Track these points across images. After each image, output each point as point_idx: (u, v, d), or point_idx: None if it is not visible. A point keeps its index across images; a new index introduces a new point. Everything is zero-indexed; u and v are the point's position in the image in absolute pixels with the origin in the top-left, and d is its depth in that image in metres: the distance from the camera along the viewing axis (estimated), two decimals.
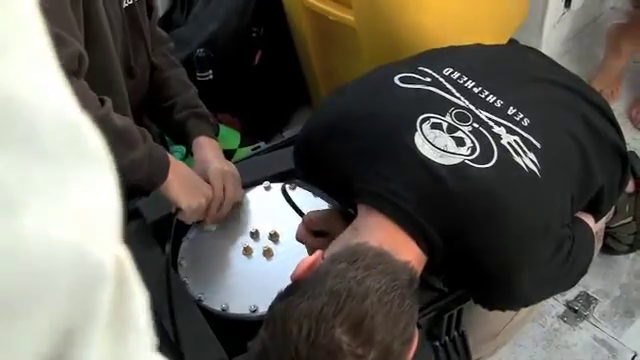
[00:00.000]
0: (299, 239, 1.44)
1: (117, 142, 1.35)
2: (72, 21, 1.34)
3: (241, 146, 2.41)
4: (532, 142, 1.33)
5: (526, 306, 1.47)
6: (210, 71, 2.47)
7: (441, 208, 1.25)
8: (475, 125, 1.33)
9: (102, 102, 1.35)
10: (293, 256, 1.46)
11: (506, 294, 1.33)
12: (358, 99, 1.44)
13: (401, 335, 1.07)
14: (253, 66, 2.61)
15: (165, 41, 1.82)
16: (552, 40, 2.67)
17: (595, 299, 2.18)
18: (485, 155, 1.28)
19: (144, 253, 1.52)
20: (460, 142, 1.29)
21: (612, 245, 2.23)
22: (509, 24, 2.35)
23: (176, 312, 1.40)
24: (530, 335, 2.11)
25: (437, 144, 1.27)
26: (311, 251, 1.43)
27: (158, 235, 1.56)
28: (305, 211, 1.50)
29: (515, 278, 1.28)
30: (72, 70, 1.30)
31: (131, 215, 1.62)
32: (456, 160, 1.26)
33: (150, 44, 1.69)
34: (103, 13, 1.46)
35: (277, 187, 1.65)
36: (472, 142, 1.29)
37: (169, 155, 1.49)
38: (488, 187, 1.25)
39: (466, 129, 1.31)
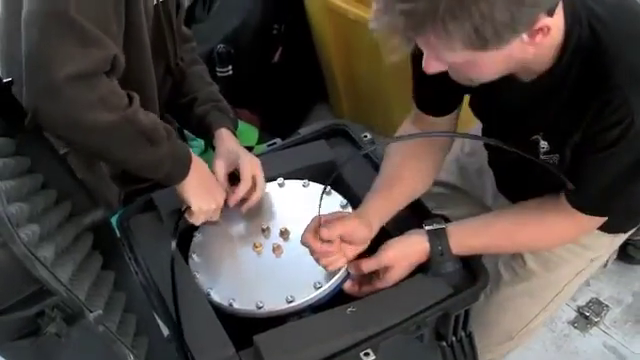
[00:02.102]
0: (304, 242, 1.44)
1: (142, 139, 1.38)
2: (112, 20, 1.36)
3: (259, 143, 2.42)
4: None
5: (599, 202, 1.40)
6: (230, 67, 2.49)
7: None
8: None
9: (130, 99, 1.37)
10: (302, 254, 1.47)
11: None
12: None
13: None
14: (273, 63, 2.62)
15: (189, 39, 1.83)
16: None
17: (607, 306, 2.18)
18: None
19: (156, 244, 1.54)
20: None
21: (632, 253, 2.22)
22: None
23: (186, 305, 1.42)
24: (540, 339, 2.11)
25: None
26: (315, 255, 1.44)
27: (171, 227, 1.58)
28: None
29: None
30: (103, 71, 1.32)
31: (145, 206, 1.64)
32: None
33: (178, 42, 1.71)
34: (143, 11, 1.48)
35: (290, 184, 1.66)
36: None
37: (192, 154, 1.51)
38: None
39: None
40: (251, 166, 1.59)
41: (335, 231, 1.41)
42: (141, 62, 1.55)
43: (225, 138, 1.66)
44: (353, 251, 1.45)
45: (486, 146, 1.66)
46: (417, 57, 1.35)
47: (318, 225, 1.41)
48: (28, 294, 0.86)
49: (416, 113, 1.59)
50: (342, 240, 1.43)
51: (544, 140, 1.36)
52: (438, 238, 1.44)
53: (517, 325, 1.70)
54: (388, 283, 1.44)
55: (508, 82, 1.28)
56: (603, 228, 1.53)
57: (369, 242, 1.47)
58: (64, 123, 1.27)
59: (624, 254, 2.23)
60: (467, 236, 1.46)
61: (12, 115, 1.33)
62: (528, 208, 1.49)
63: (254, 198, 1.60)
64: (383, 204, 1.50)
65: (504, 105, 1.41)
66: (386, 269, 1.44)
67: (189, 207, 1.52)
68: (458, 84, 1.30)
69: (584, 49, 1.21)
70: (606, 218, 1.43)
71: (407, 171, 1.55)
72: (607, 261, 1.95)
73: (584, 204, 1.38)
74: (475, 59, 1.13)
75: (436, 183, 1.84)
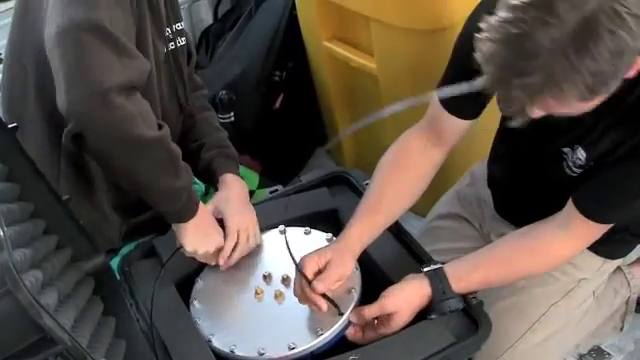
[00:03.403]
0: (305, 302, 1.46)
1: (169, 166, 1.41)
2: (134, 42, 1.39)
3: (259, 187, 2.42)
4: None
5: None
6: (232, 113, 2.50)
7: None
8: None
9: (160, 126, 1.40)
10: None
11: None
12: None
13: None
14: (274, 109, 2.64)
15: (199, 87, 1.86)
16: None
17: (609, 354, 2.16)
18: None
19: (158, 291, 1.53)
20: None
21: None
22: None
23: (187, 352, 1.42)
24: None
25: None
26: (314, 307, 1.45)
27: (172, 273, 1.58)
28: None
29: None
30: (140, 84, 1.35)
31: (147, 252, 1.64)
32: None
33: (187, 87, 1.73)
34: (151, 50, 1.51)
35: (292, 231, 1.66)
36: None
37: (199, 198, 1.53)
38: None
39: None
40: (238, 220, 1.60)
41: (333, 279, 1.44)
42: (150, 98, 1.56)
43: (228, 185, 1.67)
44: (369, 314, 1.46)
45: (504, 160, 1.69)
46: (457, 50, 1.47)
47: (307, 280, 1.43)
48: (31, 342, 0.86)
49: (431, 115, 1.61)
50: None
51: (584, 150, 1.40)
52: (438, 277, 1.46)
53: (502, 344, 1.67)
54: (393, 329, 1.44)
55: None
56: (593, 250, 1.59)
57: None
58: (113, 130, 1.29)
59: None
60: (466, 271, 1.48)
61: (16, 160, 1.34)
62: (520, 232, 1.53)
63: (234, 256, 1.60)
64: (364, 230, 1.53)
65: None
66: (389, 316, 1.44)
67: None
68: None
69: None
70: (600, 233, 1.46)
71: (388, 195, 1.57)
72: (623, 323, 1.95)
73: (591, 206, 1.40)
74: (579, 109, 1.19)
75: (437, 217, 1.86)
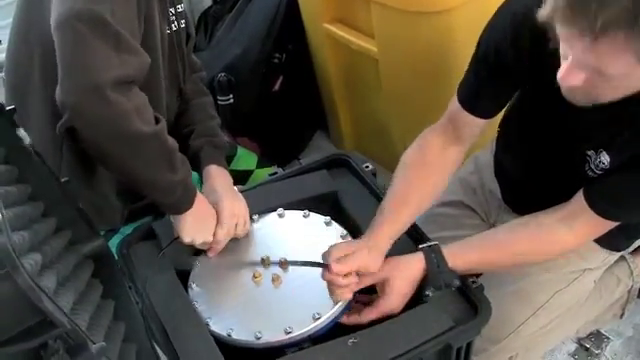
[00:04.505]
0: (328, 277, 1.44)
1: (164, 160, 1.39)
2: (137, 36, 1.38)
3: (258, 167, 2.42)
4: None
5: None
6: (231, 95, 2.50)
7: None
8: None
9: (157, 120, 1.39)
10: (300, 284, 1.49)
11: None
12: None
13: None
14: (273, 92, 2.63)
15: (197, 69, 1.84)
16: None
17: (607, 338, 2.16)
18: None
19: (156, 274, 1.54)
20: None
21: None
22: None
23: (186, 334, 1.42)
24: None
25: None
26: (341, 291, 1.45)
27: (171, 257, 1.58)
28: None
29: None
30: (137, 80, 1.34)
31: (146, 235, 1.64)
32: None
33: (187, 69, 1.72)
34: (158, 34, 1.50)
35: (290, 215, 1.66)
36: None
37: (196, 188, 1.52)
38: None
39: None
40: (231, 210, 1.59)
41: (354, 265, 1.43)
42: (155, 86, 1.56)
43: (213, 175, 1.66)
44: (363, 282, 1.47)
45: (519, 155, 1.68)
46: (480, 44, 1.48)
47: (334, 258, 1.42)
48: (31, 325, 0.86)
49: (450, 113, 1.61)
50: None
51: (609, 155, 1.39)
52: (433, 252, 1.47)
53: (505, 328, 1.68)
54: (391, 301, 1.45)
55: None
56: (600, 243, 1.60)
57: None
58: (106, 126, 1.28)
59: None
60: (461, 249, 1.49)
61: (15, 143, 1.33)
62: (525, 219, 1.53)
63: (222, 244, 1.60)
64: (393, 228, 1.52)
65: (571, 117, 1.42)
66: (383, 284, 1.45)
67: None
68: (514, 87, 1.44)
69: None
70: (605, 230, 1.46)
71: (414, 193, 1.57)
72: (623, 310, 1.96)
73: (604, 206, 1.40)
74: (623, 77, 1.15)
75: (441, 204, 1.86)
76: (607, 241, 1.62)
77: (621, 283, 1.85)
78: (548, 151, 1.54)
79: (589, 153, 1.42)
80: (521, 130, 1.64)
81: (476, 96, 1.55)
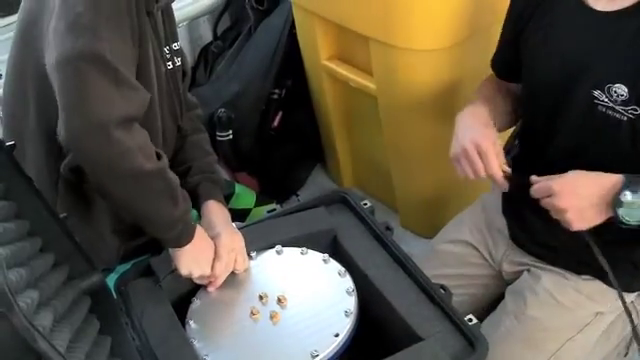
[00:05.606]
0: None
1: (166, 196, 1.41)
2: (134, 72, 1.40)
3: (256, 205, 2.42)
4: None
5: None
6: (230, 131, 2.50)
7: None
8: None
9: (158, 156, 1.40)
10: (299, 321, 1.48)
11: None
12: None
13: None
14: (273, 127, 2.64)
15: (193, 107, 1.85)
16: None
17: None
18: None
19: (154, 310, 1.53)
20: None
21: None
22: None
23: None
24: None
25: None
26: None
27: (169, 293, 1.57)
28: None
29: None
30: (138, 117, 1.35)
31: (143, 271, 1.63)
32: None
33: (183, 108, 1.73)
34: (153, 73, 1.51)
35: (288, 251, 1.66)
36: None
37: (196, 223, 1.53)
38: None
39: None
40: (230, 244, 1.59)
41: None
42: (152, 123, 1.56)
43: (211, 211, 1.66)
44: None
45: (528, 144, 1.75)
46: (506, 24, 1.62)
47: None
48: None
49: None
50: None
51: (625, 86, 1.38)
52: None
53: None
54: (565, 178, 1.41)
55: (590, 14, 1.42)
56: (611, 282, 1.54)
57: None
58: (112, 164, 1.30)
59: None
60: None
61: (13, 178, 1.33)
62: None
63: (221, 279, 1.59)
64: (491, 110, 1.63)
65: (581, 43, 1.47)
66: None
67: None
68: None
69: None
70: None
71: (498, 100, 1.72)
72: (627, 350, 1.94)
73: None
74: None
75: (446, 242, 1.89)
76: (622, 281, 1.54)
77: (627, 325, 1.82)
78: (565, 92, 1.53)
79: (607, 86, 1.42)
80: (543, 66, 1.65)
81: (504, 63, 1.69)
